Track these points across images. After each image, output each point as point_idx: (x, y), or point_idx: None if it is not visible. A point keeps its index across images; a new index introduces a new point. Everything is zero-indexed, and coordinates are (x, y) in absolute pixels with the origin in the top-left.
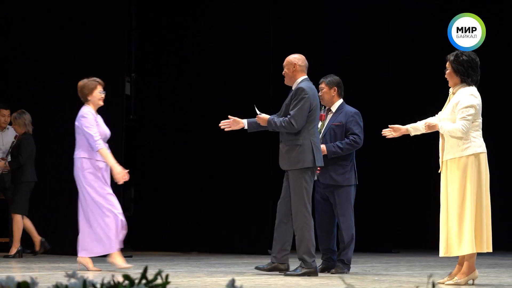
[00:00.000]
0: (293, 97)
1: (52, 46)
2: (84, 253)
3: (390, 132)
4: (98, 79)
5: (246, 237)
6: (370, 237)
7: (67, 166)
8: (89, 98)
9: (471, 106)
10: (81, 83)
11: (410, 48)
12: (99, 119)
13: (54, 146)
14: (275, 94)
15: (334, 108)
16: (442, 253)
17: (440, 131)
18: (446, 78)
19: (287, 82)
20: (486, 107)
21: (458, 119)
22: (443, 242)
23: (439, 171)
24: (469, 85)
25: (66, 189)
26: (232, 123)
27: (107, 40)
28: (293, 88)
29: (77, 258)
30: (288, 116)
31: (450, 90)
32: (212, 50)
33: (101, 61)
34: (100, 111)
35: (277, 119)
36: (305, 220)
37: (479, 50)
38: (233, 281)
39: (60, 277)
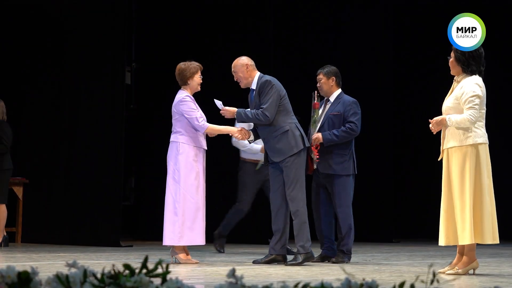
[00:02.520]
0: (260, 91)
1: (51, 36)
2: (169, 241)
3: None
4: (197, 63)
5: (247, 227)
6: (370, 226)
7: (64, 159)
8: (189, 82)
9: (477, 96)
10: (182, 65)
11: (410, 48)
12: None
13: (56, 139)
14: None
15: (332, 98)
16: (442, 242)
17: (448, 124)
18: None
19: (244, 85)
20: (489, 105)
21: (465, 109)
22: (443, 231)
23: (439, 159)
24: (471, 74)
25: (65, 182)
26: (241, 132)
27: (107, 29)
28: (253, 86)
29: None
30: (261, 109)
31: (455, 78)
32: (212, 42)
33: (101, 51)
34: (100, 101)
35: (248, 111)
36: (303, 205)
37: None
38: (233, 270)
39: (60, 266)
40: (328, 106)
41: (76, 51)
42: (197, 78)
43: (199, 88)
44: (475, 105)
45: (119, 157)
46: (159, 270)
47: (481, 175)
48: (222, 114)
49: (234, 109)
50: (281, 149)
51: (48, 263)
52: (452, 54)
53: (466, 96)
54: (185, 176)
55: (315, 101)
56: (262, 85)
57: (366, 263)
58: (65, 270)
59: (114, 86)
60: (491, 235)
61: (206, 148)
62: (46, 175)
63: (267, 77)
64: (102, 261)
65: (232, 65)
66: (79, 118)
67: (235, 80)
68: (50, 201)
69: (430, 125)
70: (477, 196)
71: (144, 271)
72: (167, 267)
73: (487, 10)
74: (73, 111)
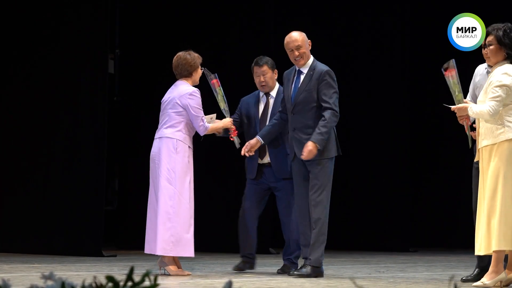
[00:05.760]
0: (323, 79)
1: (26, 19)
2: (162, 251)
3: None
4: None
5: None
6: (384, 234)
7: (40, 159)
8: (194, 74)
9: (502, 86)
10: (187, 55)
11: (427, 42)
12: None
13: (31, 138)
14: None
15: (274, 93)
16: (476, 250)
17: (469, 113)
18: (485, 55)
19: (302, 63)
20: None
21: (487, 100)
22: (477, 238)
23: (475, 160)
24: (510, 62)
25: (39, 183)
26: (250, 147)
27: (87, 11)
28: (303, 70)
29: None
30: (326, 105)
31: (491, 70)
32: (205, 25)
33: (81, 36)
34: (80, 92)
35: (321, 127)
36: (326, 213)
37: (479, 50)
38: (230, 283)
39: (35, 278)
40: (271, 102)
41: (52, 37)
42: (200, 71)
43: (198, 82)
44: (497, 96)
45: (101, 156)
46: (146, 283)
47: None
48: (303, 158)
49: (313, 144)
50: None
51: (21, 274)
52: (493, 41)
53: (492, 85)
54: (181, 178)
55: (213, 78)
56: (327, 74)
57: (380, 275)
58: (40, 283)
59: (95, 76)
60: None
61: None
62: (20, 177)
63: (326, 67)
64: (82, 273)
65: (294, 38)
66: (56, 113)
67: (296, 56)
68: (24, 205)
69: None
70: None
71: (130, 283)
72: (155, 279)
73: (487, 10)
74: (50, 105)
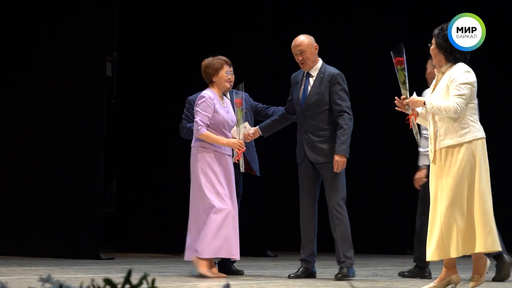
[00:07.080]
0: (335, 82)
1: (25, 20)
2: (198, 253)
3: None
4: (224, 58)
5: (243, 237)
6: (382, 237)
7: (38, 161)
8: (214, 79)
9: (468, 84)
10: (206, 61)
11: (409, 49)
12: (228, 103)
13: (29, 140)
14: (276, 81)
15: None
16: (455, 254)
17: (428, 107)
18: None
19: (307, 67)
20: (487, 106)
21: (452, 96)
22: (452, 242)
23: (431, 161)
24: (454, 63)
25: (38, 186)
26: (247, 138)
27: (85, 14)
28: (313, 72)
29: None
30: (340, 108)
31: (435, 70)
32: (204, 27)
33: (79, 38)
34: (78, 95)
35: (341, 136)
36: (346, 215)
37: (479, 50)
38: (227, 286)
39: (33, 281)
40: (229, 103)
41: (50, 39)
42: (223, 75)
43: (227, 85)
44: (463, 94)
45: (99, 158)
46: (144, 286)
47: (483, 174)
48: (336, 171)
49: (340, 155)
50: (324, 150)
51: (19, 277)
52: (433, 40)
53: (456, 82)
54: (205, 183)
55: (238, 97)
56: (339, 77)
57: (377, 278)
58: (38, 286)
59: (93, 79)
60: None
61: (229, 153)
62: (18, 179)
63: (336, 70)
64: (80, 276)
65: (298, 43)
66: (54, 116)
67: (300, 60)
68: (22, 207)
69: (397, 102)
70: (488, 197)
71: (127, 286)
72: (153, 282)
73: (487, 10)
74: (47, 108)
